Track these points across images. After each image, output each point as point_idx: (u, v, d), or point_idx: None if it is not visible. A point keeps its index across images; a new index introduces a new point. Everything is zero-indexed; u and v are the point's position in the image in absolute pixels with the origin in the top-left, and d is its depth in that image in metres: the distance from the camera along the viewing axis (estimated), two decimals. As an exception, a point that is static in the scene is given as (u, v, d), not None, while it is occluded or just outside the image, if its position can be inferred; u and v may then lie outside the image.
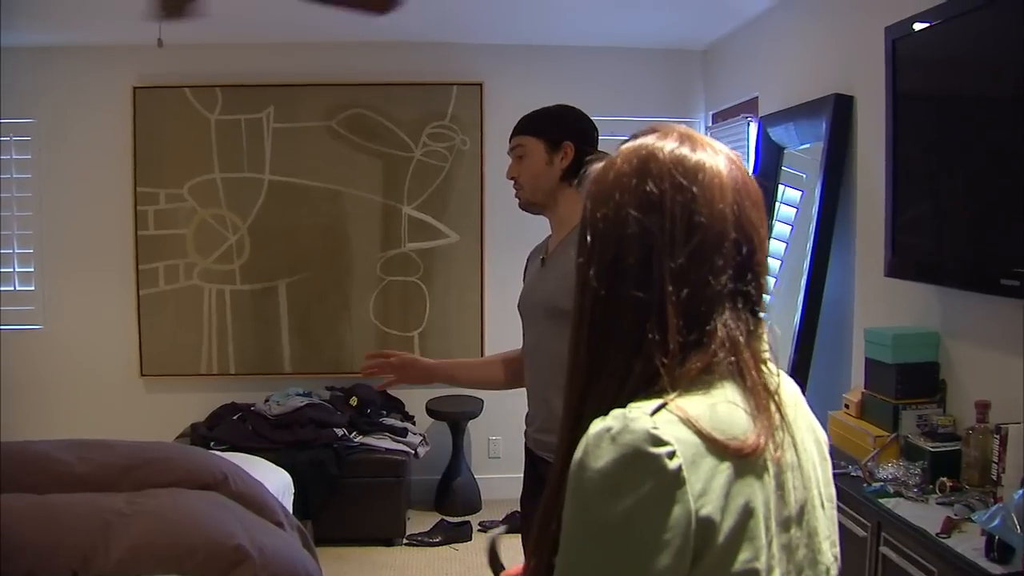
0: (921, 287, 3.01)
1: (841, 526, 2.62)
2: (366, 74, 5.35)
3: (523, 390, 2.57)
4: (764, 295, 1.08)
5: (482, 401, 5.28)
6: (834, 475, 2.65)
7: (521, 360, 2.57)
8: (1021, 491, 2.10)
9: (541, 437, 2.36)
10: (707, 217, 1.04)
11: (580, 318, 1.07)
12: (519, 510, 4.90)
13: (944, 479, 2.57)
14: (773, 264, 4.34)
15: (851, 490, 2.64)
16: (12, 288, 5.41)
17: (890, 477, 2.65)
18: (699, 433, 0.95)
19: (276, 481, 3.71)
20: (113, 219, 5.35)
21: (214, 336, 5.41)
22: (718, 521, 0.93)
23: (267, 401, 5.13)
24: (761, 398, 1.01)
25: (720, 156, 1.09)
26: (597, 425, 0.97)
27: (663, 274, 1.02)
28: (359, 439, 4.93)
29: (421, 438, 5.13)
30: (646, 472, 0.92)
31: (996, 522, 2.08)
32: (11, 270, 5.40)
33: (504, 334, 5.30)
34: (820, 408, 3.49)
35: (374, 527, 4.84)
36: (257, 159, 5.35)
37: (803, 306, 3.60)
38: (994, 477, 2.46)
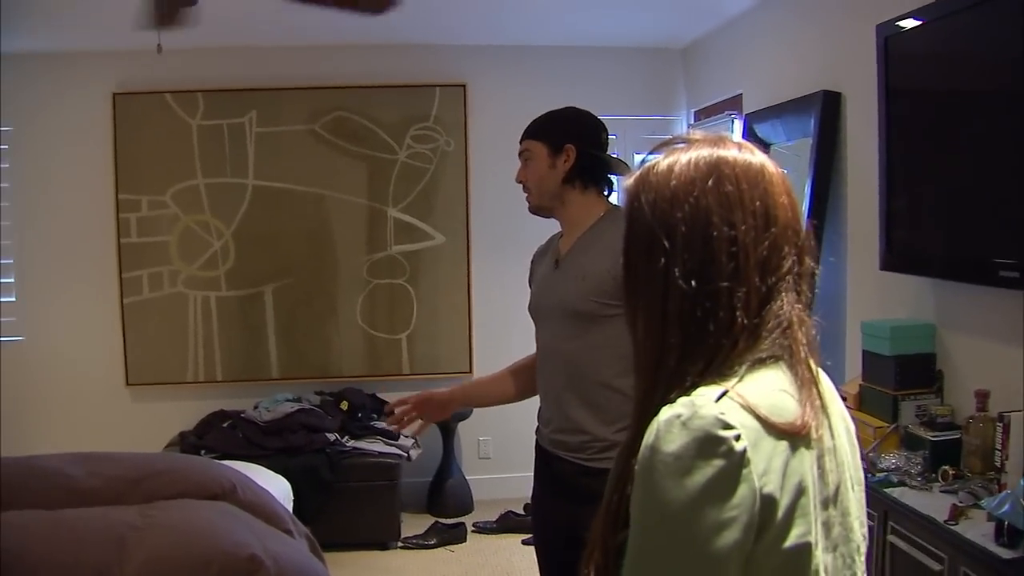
0: (915, 279, 3.07)
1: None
2: (348, 76, 5.34)
3: None
4: (812, 291, 1.18)
5: (471, 401, 5.27)
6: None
7: (529, 367, 2.58)
8: (1028, 478, 2.16)
9: (560, 437, 2.37)
10: (778, 209, 1.14)
11: (664, 317, 1.12)
12: (512, 511, 4.96)
13: (946, 467, 2.61)
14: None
15: (855, 481, 2.68)
16: (-8, 299, 5.36)
17: (893, 467, 2.69)
18: (759, 418, 1.03)
19: (277, 488, 3.71)
20: (95, 227, 5.30)
21: (200, 343, 5.38)
22: (778, 498, 1.02)
23: (256, 408, 5.09)
24: (806, 381, 1.10)
25: (766, 156, 1.19)
26: (666, 412, 1.04)
27: (750, 265, 1.10)
28: (351, 443, 4.93)
29: (413, 441, 5.13)
30: (716, 454, 1.00)
31: (1006, 508, 2.12)
32: (-9, 281, 5.34)
33: (492, 335, 5.34)
34: (816, 401, 3.56)
35: (369, 531, 4.84)
36: (240, 164, 5.32)
37: (796, 300, 3.64)
38: (997, 464, 2.51)
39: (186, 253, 5.35)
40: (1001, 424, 2.49)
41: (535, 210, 2.50)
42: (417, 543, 4.86)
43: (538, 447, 2.52)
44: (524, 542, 4.78)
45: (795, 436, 1.04)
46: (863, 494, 1.22)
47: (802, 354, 1.11)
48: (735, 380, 1.06)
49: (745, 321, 1.09)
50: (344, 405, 5.15)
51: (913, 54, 2.93)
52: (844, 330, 3.57)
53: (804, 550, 1.04)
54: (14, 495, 2.85)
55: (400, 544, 4.87)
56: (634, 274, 1.17)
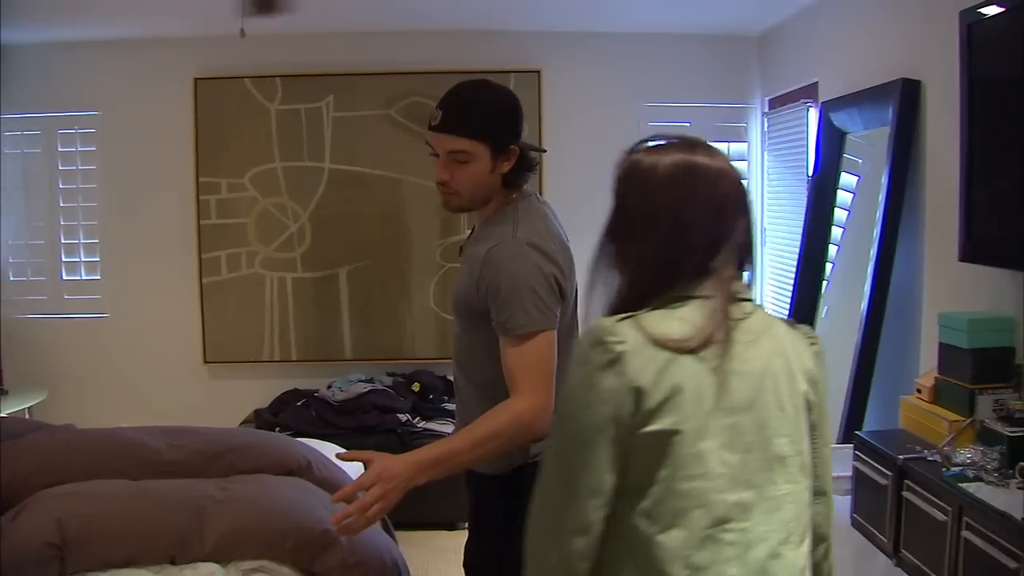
0: (995, 272, 3.00)
1: (919, 510, 2.61)
2: (425, 62, 5.38)
3: None
4: (753, 257, 1.55)
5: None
6: (911, 459, 2.65)
7: None
8: (1109, 476, 2.11)
9: None
10: (728, 202, 1.49)
11: (629, 273, 1.52)
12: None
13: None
14: (830, 250, 4.35)
15: (929, 474, 2.64)
16: (78, 278, 5.56)
17: (968, 461, 2.64)
18: (646, 334, 1.39)
19: (350, 467, 3.76)
20: (176, 209, 5.45)
21: (276, 323, 5.50)
22: (649, 390, 1.36)
23: (330, 387, 5.21)
24: (715, 319, 1.42)
25: (726, 161, 1.53)
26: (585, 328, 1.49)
27: (698, 242, 1.47)
28: (422, 424, 5.00)
29: (482, 423, 5.17)
30: (600, 351, 1.39)
31: (1085, 507, 2.09)
32: (77, 260, 5.54)
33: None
34: (889, 392, 3.52)
35: (437, 511, 4.87)
36: (317, 148, 5.41)
37: (871, 291, 3.60)
38: (1077, 462, 2.46)
39: (263, 235, 5.46)
40: (1081, 421, 2.45)
41: (457, 210, 2.29)
42: (485, 525, 4.90)
43: None
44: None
45: (677, 350, 1.38)
46: (801, 417, 1.50)
47: (716, 301, 1.43)
48: (647, 309, 1.44)
49: (680, 276, 1.46)
50: (416, 387, 5.23)
51: (997, 42, 2.87)
52: (921, 322, 3.52)
53: (673, 435, 1.36)
54: (100, 464, 2.97)
55: (467, 525, 4.91)
56: (617, 241, 1.53)
